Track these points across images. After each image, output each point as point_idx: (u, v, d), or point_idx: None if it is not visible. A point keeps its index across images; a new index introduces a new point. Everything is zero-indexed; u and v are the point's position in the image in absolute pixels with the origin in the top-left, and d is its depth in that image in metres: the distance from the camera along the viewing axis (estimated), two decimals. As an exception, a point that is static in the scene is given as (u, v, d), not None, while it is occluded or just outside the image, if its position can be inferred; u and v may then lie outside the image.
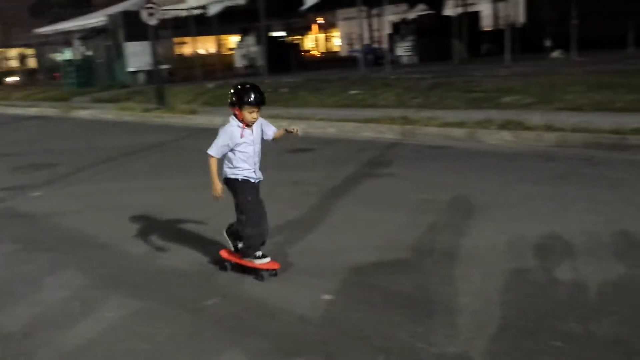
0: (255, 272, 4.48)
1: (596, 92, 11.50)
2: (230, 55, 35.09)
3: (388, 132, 10.42)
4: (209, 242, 5.35)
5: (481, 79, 15.42)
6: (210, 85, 22.01)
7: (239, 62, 31.29)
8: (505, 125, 9.32)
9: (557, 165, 7.43)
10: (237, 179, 4.41)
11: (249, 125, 4.34)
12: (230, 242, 4.69)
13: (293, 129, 4.53)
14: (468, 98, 12.59)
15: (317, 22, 54.27)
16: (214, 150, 4.37)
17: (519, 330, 3.48)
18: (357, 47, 31.60)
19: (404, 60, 26.72)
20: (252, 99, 4.25)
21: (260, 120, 4.42)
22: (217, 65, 28.51)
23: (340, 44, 51.09)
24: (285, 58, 28.13)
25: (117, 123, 16.46)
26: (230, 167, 4.42)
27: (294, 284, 4.37)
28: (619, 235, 4.82)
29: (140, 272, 4.84)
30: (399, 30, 28.40)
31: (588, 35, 20.51)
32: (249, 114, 4.29)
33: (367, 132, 10.73)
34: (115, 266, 5.03)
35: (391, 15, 31.05)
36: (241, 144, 4.35)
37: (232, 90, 4.31)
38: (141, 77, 25.92)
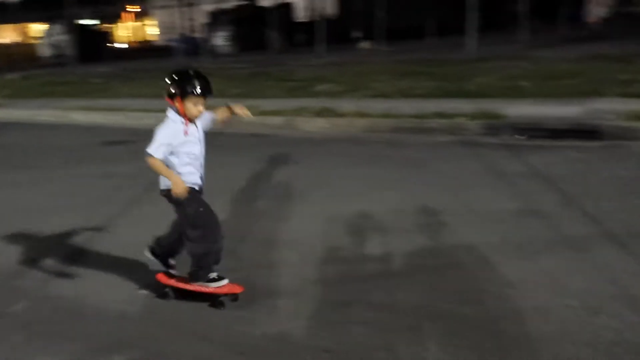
0: (212, 299, 3.75)
1: (401, 80, 12.31)
2: (36, 44, 32.63)
3: (207, 122, 10.31)
4: (16, 242, 4.97)
5: (297, 69, 15.83)
6: (13, 76, 20.32)
7: (46, 52, 29.22)
8: (320, 113, 9.67)
9: (367, 148, 7.86)
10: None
11: (191, 120, 3.64)
12: (158, 263, 3.92)
13: (241, 111, 3.89)
14: (285, 87, 12.87)
15: (131, 10, 52.11)
16: (154, 149, 3.54)
17: (335, 305, 3.66)
18: (173, 36, 30.89)
19: (223, 49, 26.63)
20: (197, 88, 3.54)
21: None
22: (21, 55, 26.38)
23: (156, 33, 49.56)
24: (97, 47, 26.77)
25: None
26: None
27: (107, 281, 4.21)
28: (421, 210, 5.23)
29: None
30: (216, 19, 28.23)
31: (394, 27, 21.90)
32: (193, 107, 3.56)
33: (186, 122, 10.53)
34: None
35: (207, 5, 30.73)
36: (185, 143, 3.62)
37: (169, 79, 3.60)
38: None
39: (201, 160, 3.75)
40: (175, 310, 3.73)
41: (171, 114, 3.62)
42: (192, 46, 26.69)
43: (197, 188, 3.73)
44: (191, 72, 3.62)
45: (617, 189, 5.41)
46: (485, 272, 3.96)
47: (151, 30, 52.23)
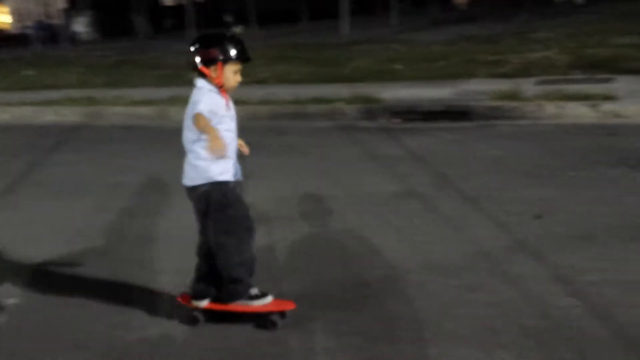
0: (262, 319, 3.19)
1: (277, 65, 12.25)
2: None
3: (72, 115, 9.74)
4: None
5: (167, 55, 15.36)
6: None
7: None
8: (193, 101, 9.38)
9: (245, 136, 7.63)
10: (227, 184, 3.11)
11: (228, 92, 3.13)
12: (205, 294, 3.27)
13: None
14: (155, 75, 12.44)
15: (-20, -5, 48.31)
16: (203, 109, 2.99)
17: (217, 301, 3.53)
18: (28, 23, 29.01)
19: (84, 36, 25.32)
20: (240, 52, 3.05)
21: None
22: None
23: (9, 20, 46.34)
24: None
25: None
26: (208, 159, 3.07)
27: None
28: (305, 198, 5.20)
29: None
30: (75, 4, 26.78)
31: (266, 10, 21.79)
32: (232, 76, 3.07)
33: (48, 115, 9.91)
34: None
35: (66, -11, 29.09)
36: (225, 118, 3.09)
37: (204, 42, 3.07)
38: None
39: (236, 142, 3.22)
40: (48, 318, 3.45)
41: (204, 84, 3.08)
42: (50, 33, 25.19)
43: (233, 180, 3.16)
44: (229, 35, 3.15)
45: (489, 167, 5.65)
46: (368, 256, 4.00)
47: (3, 18, 48.79)
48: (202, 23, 22.19)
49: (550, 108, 7.34)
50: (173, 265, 4.05)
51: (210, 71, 3.05)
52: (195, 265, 3.31)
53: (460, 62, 10.56)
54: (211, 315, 3.27)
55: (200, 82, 3.10)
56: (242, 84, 10.23)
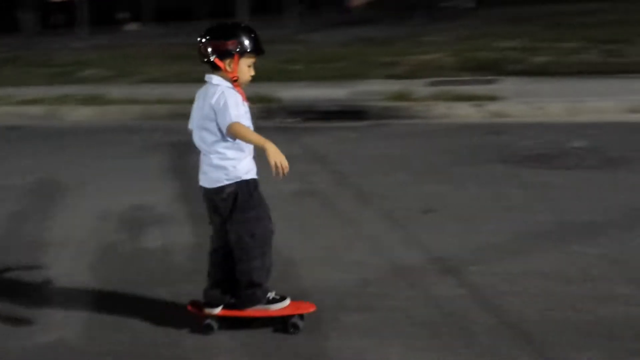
0: (281, 323, 3.06)
1: (173, 63, 12.00)
2: None
3: (-48, 115, 9.16)
4: None
5: (56, 53, 14.77)
6: None
7: None
8: (86, 101, 9.11)
9: (140, 137, 7.54)
10: (252, 183, 2.99)
11: (241, 87, 2.96)
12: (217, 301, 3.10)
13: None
14: (44, 73, 11.92)
15: None
16: (236, 115, 2.80)
17: (114, 306, 3.46)
18: None
19: (-34, 32, 23.77)
20: (256, 43, 2.90)
21: None
22: None
23: None
24: None
25: None
26: (235, 159, 2.91)
27: None
28: (199, 199, 5.12)
29: None
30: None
31: (161, 7, 21.32)
32: (247, 69, 2.92)
33: None
34: None
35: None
36: (245, 115, 2.92)
37: (218, 33, 2.93)
38: None
39: None
40: None
41: (219, 80, 2.92)
42: None
43: (257, 178, 3.03)
44: (243, 25, 3.00)
45: (382, 165, 5.83)
46: (269, 254, 4.03)
47: None
48: (94, 19, 21.38)
49: (440, 108, 7.67)
50: (65, 269, 3.94)
51: (225, 64, 2.90)
52: (207, 272, 3.17)
53: (356, 64, 10.78)
54: (224, 322, 3.12)
55: (215, 79, 2.94)
56: (136, 82, 9.95)
